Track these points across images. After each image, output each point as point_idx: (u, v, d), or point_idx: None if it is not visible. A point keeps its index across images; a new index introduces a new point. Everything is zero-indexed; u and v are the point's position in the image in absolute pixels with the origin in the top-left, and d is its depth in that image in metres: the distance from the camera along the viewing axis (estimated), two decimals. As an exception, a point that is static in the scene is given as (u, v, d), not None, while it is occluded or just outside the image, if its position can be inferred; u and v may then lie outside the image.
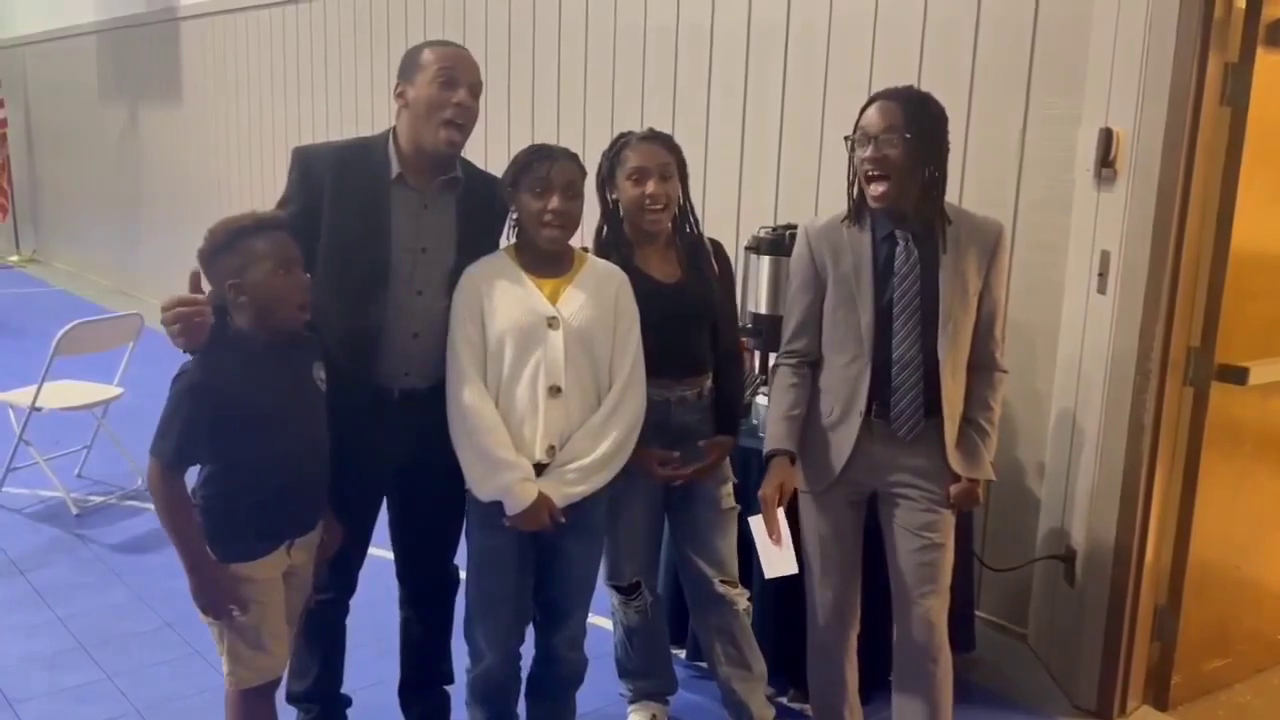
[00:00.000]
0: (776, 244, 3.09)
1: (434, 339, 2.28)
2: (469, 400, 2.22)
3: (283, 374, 2.11)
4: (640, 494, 2.51)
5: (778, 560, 2.35)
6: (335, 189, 2.25)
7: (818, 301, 2.34)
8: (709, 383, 2.55)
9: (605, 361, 2.30)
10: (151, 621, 3.33)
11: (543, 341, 2.22)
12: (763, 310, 3.14)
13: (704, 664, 3.00)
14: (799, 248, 2.37)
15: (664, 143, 2.44)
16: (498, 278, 2.27)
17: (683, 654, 3.04)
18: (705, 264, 2.52)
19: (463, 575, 2.51)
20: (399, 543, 2.52)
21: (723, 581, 2.56)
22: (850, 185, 2.30)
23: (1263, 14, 2.60)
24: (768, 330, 3.10)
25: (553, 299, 2.25)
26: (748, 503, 2.77)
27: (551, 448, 2.24)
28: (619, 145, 2.46)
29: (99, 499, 4.40)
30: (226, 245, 2.02)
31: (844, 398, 2.31)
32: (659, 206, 2.40)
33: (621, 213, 2.47)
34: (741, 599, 2.58)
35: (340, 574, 2.40)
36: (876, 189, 2.19)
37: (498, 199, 2.33)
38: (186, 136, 8.06)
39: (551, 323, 2.23)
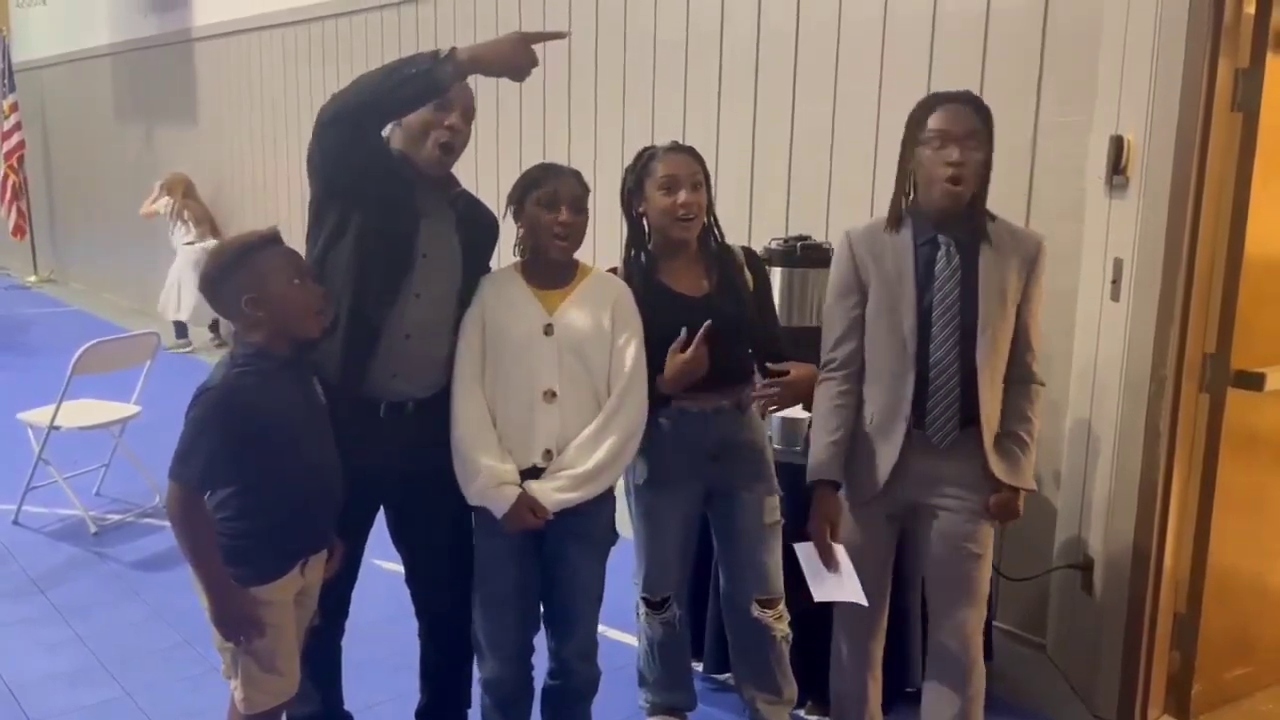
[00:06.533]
0: (788, 255, 3.10)
1: (423, 343, 2.30)
2: (460, 406, 2.30)
3: (296, 390, 2.12)
4: (676, 505, 2.53)
5: (834, 587, 2.35)
6: (367, 172, 2.25)
7: (859, 308, 2.32)
8: (749, 391, 2.55)
9: (603, 371, 2.33)
10: (170, 639, 3.35)
11: (538, 348, 2.29)
12: (776, 322, 3.14)
13: (720, 677, 3.00)
14: (840, 253, 2.35)
15: (691, 154, 2.47)
16: (502, 288, 2.35)
17: (700, 667, 3.03)
18: (737, 275, 2.52)
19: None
20: (411, 573, 2.52)
21: (761, 602, 2.55)
22: (901, 189, 2.28)
23: (1273, 19, 2.60)
24: (783, 341, 3.09)
25: (551, 309, 2.32)
26: (794, 519, 2.75)
27: (548, 452, 2.29)
28: (645, 158, 2.47)
29: (117, 517, 4.42)
30: (238, 262, 2.03)
31: (887, 407, 2.29)
32: (690, 215, 2.41)
33: (648, 226, 2.48)
34: (780, 625, 2.58)
35: (333, 597, 2.37)
36: (958, 190, 2.19)
37: (486, 220, 2.43)
38: (202, 156, 8.13)
39: (547, 330, 2.30)
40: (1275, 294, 2.81)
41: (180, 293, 7.61)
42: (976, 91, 3.20)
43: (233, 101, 7.69)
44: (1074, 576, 3.02)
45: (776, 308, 3.11)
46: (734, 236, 2.63)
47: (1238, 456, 2.83)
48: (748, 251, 2.60)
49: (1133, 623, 2.81)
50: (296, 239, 2.23)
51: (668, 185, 2.41)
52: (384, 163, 2.27)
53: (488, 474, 2.25)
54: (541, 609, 2.46)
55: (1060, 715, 2.94)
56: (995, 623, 3.13)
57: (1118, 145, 2.78)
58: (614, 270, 2.49)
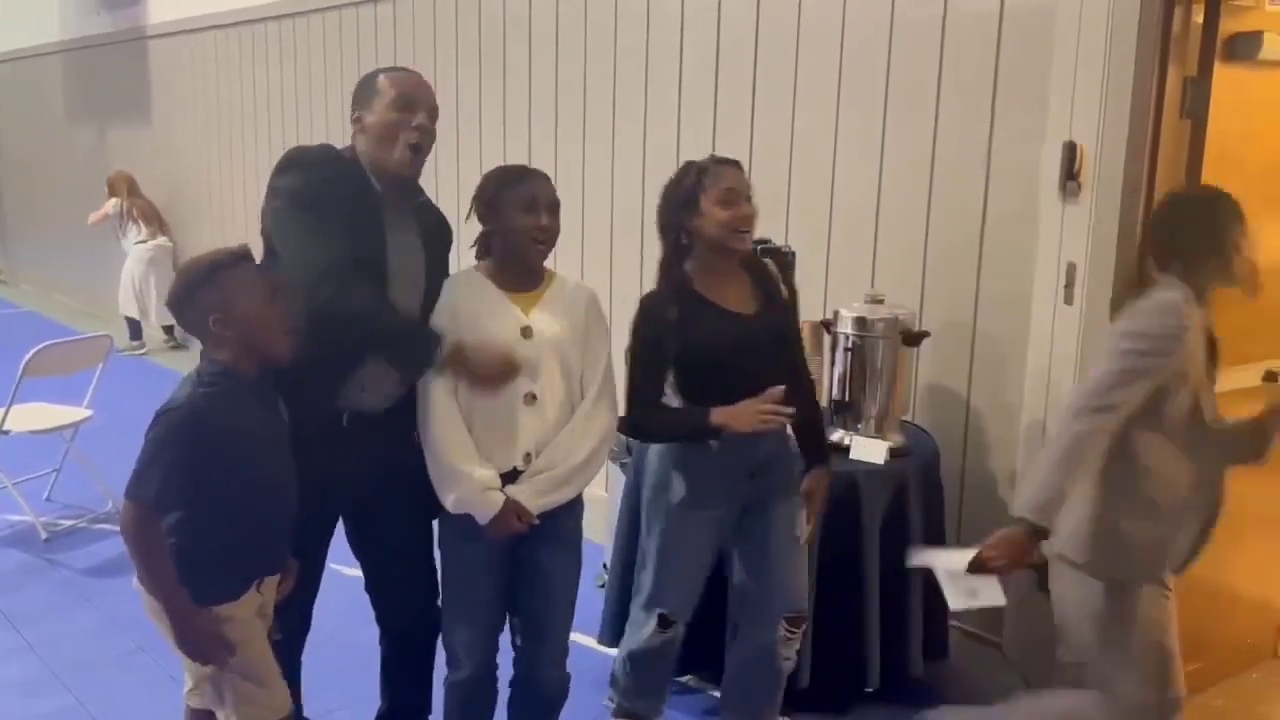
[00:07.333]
0: (749, 259, 3.10)
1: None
2: (434, 412, 2.25)
3: (260, 409, 2.07)
4: (710, 529, 2.49)
5: (971, 596, 2.28)
6: (331, 188, 2.23)
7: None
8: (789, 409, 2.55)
9: (578, 374, 2.34)
10: (124, 645, 3.30)
11: (517, 351, 2.25)
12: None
13: (680, 679, 3.00)
14: (1178, 310, 2.16)
15: (740, 166, 2.43)
16: (473, 292, 2.31)
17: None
18: (774, 289, 2.50)
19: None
20: (370, 581, 2.51)
21: (789, 620, 2.51)
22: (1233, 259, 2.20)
23: (1220, 29, 2.66)
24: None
25: (526, 312, 2.30)
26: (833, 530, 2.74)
27: (528, 455, 2.28)
28: (695, 172, 2.39)
29: (68, 523, 4.35)
30: (205, 280, 1.99)
31: (1206, 494, 2.29)
32: (749, 228, 2.39)
33: (692, 240, 2.40)
34: (790, 652, 2.54)
35: (295, 612, 2.34)
36: None
37: (447, 229, 2.43)
38: (156, 156, 8.02)
39: (526, 332, 2.27)
40: (1224, 298, 2.86)
41: (135, 292, 7.53)
42: (933, 99, 3.26)
43: (188, 101, 7.58)
44: (1030, 576, 3.06)
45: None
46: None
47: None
48: (775, 259, 2.58)
49: (1086, 621, 2.84)
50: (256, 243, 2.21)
51: (728, 199, 2.35)
52: (352, 187, 2.24)
53: (472, 481, 2.21)
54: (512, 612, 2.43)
55: (1016, 713, 2.97)
56: (952, 623, 3.16)
57: (1070, 152, 2.82)
58: (651, 294, 2.42)
